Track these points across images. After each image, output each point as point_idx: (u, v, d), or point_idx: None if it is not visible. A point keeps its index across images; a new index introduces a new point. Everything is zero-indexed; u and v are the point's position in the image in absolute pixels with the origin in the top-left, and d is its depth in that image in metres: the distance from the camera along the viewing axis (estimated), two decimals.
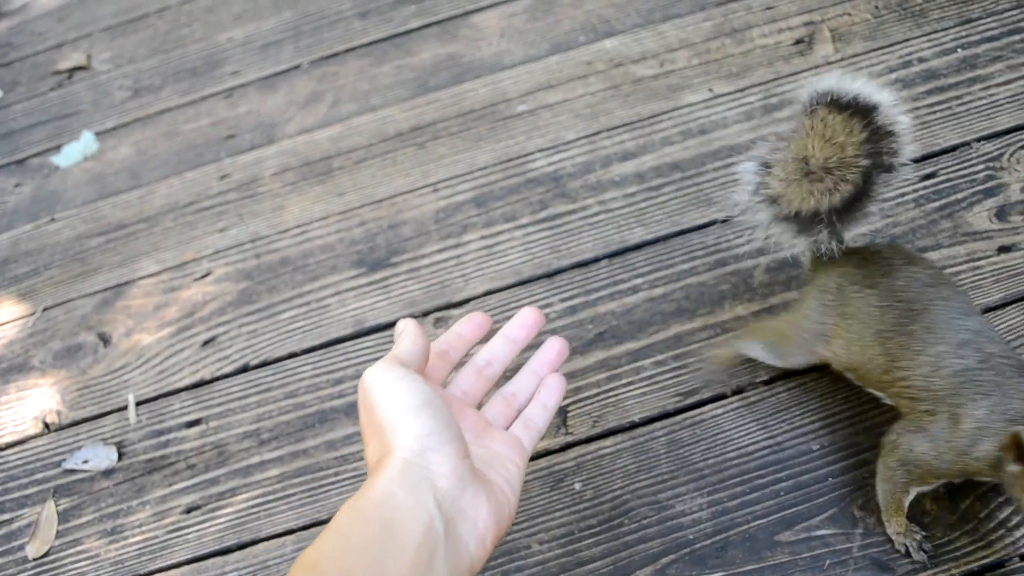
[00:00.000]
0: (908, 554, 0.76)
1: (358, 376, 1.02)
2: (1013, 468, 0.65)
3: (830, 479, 0.84)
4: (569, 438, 0.92)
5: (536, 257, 1.10)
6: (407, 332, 0.67)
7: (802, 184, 0.78)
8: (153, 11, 1.68)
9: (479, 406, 0.74)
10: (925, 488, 0.75)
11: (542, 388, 0.75)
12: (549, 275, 1.07)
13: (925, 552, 0.77)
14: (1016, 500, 0.66)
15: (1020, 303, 0.96)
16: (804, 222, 0.80)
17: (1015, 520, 0.79)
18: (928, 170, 1.11)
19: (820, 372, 0.92)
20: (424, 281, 1.10)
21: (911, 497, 0.76)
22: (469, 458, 0.61)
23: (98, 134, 1.44)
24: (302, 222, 1.22)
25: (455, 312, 1.06)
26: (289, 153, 1.33)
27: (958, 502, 0.81)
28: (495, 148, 1.26)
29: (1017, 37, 1.24)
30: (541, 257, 1.09)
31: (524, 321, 0.76)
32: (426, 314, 1.07)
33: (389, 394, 0.60)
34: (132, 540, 0.94)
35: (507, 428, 0.72)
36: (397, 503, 0.56)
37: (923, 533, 0.77)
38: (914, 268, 0.75)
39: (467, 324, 0.75)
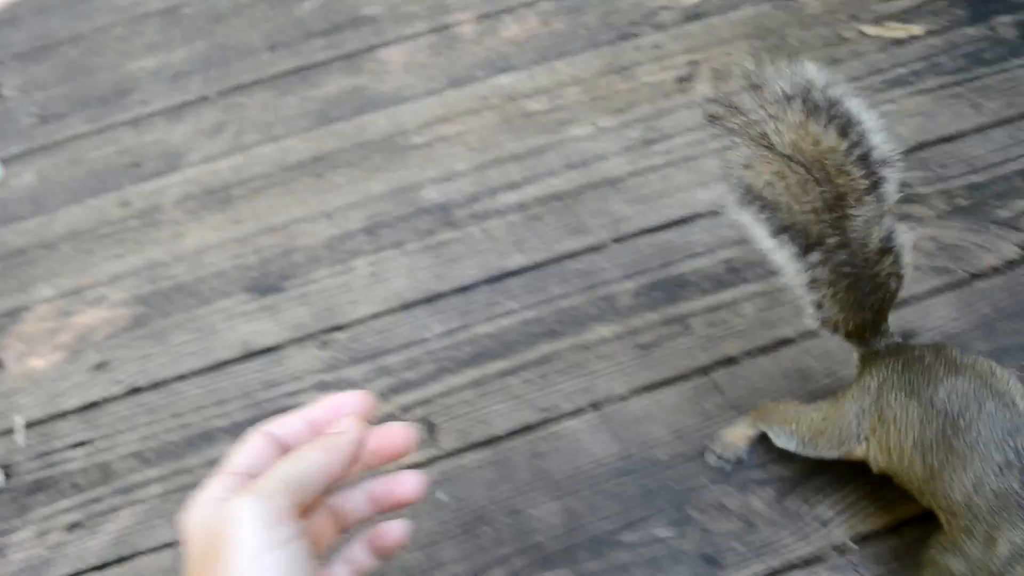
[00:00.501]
0: None
1: (242, 396, 1.07)
2: None
3: (671, 484, 0.91)
4: (437, 452, 0.97)
5: (419, 283, 1.15)
6: (335, 446, 0.47)
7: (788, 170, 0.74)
8: (66, 39, 1.71)
9: None
10: None
11: (379, 535, 0.56)
12: (430, 299, 1.13)
13: None
14: None
15: None
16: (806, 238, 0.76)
17: (830, 515, 0.86)
18: None
19: (672, 385, 1.00)
20: (312, 305, 1.15)
21: None
22: None
23: (3, 160, 1.47)
24: (199, 249, 1.26)
25: (339, 336, 1.11)
26: (192, 182, 1.37)
27: (785, 503, 0.88)
28: (390, 178, 1.32)
29: (878, 77, 1.34)
30: (424, 282, 1.15)
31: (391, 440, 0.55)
32: (311, 336, 1.11)
33: (252, 566, 0.41)
34: (13, 558, 0.97)
35: (326, 554, 0.54)
36: None
37: None
38: (958, 379, 0.72)
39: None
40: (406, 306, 1.13)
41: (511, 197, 1.25)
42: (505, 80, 1.47)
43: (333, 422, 0.52)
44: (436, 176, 1.31)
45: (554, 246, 1.17)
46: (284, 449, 0.51)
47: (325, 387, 1.05)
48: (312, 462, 0.46)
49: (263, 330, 1.13)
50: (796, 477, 0.90)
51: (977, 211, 1.15)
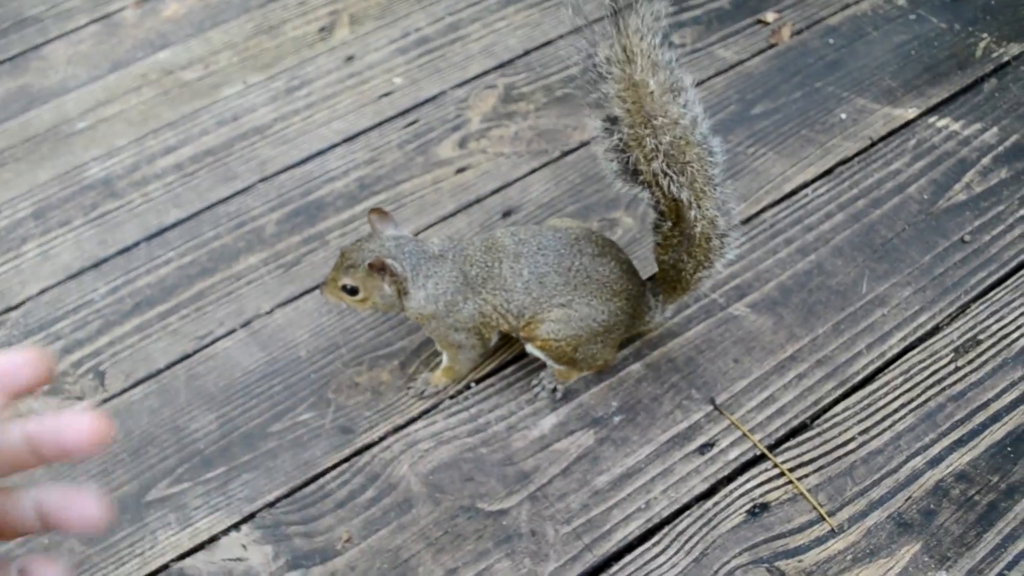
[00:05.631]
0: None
1: None
2: None
3: (311, 375, 1.05)
4: (106, 395, 1.07)
5: (85, 252, 1.23)
6: None
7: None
8: None
9: None
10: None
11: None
12: (96, 265, 1.22)
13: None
14: None
15: (467, 210, 1.21)
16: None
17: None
18: (411, 119, 1.35)
19: (311, 293, 1.13)
20: None
21: None
22: None
23: None
24: None
25: (12, 315, 1.18)
26: None
27: (408, 370, 1.04)
28: (55, 165, 1.38)
29: (493, 1, 1.50)
30: (89, 251, 1.23)
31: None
32: None
33: None
34: None
35: None
36: None
37: None
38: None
39: None
40: (74, 275, 1.21)
41: (168, 160, 1.35)
42: (163, 56, 1.55)
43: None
44: (99, 154, 1.38)
45: (207, 195, 1.28)
46: None
47: None
48: None
49: None
50: (416, 348, 1.06)
51: (571, 98, 1.35)
